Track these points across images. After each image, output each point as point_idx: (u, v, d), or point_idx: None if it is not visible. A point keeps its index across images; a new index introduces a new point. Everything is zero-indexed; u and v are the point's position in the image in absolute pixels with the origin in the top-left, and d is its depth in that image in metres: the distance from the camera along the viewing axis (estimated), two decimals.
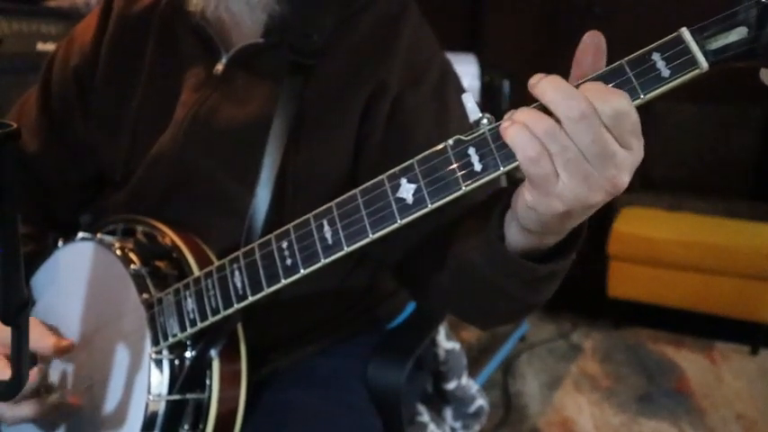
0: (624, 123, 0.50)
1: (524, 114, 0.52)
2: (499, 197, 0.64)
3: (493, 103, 2.69)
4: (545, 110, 0.52)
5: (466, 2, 3.88)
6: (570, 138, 0.50)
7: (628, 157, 0.51)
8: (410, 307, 1.11)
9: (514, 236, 0.61)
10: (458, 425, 1.18)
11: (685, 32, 0.51)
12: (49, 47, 1.62)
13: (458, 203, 0.62)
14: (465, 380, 1.19)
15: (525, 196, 0.55)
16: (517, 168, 0.55)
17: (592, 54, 0.53)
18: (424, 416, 1.11)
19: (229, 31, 0.86)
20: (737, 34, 0.50)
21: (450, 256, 0.73)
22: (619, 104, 0.50)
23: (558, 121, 0.50)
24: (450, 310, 0.82)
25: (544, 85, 0.51)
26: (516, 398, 2.33)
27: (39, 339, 0.74)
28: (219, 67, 0.86)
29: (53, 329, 0.78)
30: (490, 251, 0.63)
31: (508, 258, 0.61)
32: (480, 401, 1.20)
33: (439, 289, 0.78)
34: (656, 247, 2.70)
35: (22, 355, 0.58)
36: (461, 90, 0.87)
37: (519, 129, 0.52)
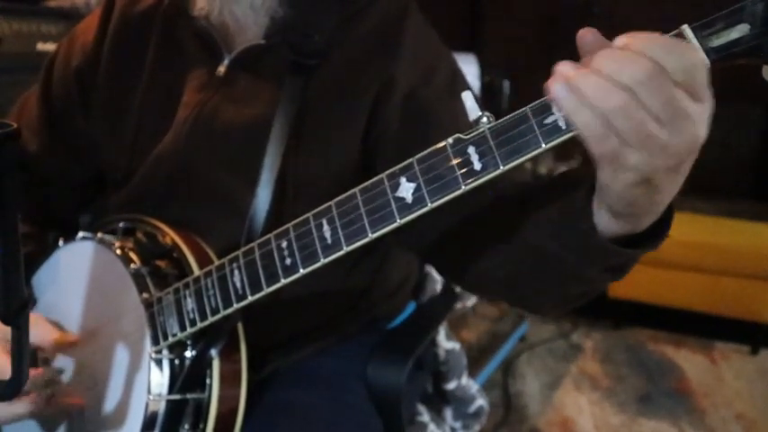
0: (696, 76, 0.47)
1: (587, 86, 0.47)
2: (567, 183, 0.62)
3: (493, 103, 2.69)
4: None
5: (466, 2, 3.88)
6: (641, 107, 0.46)
7: (703, 111, 0.48)
8: (410, 307, 1.11)
9: (606, 224, 0.57)
10: (458, 425, 1.18)
11: (687, 29, 0.50)
12: (49, 47, 1.62)
13: (499, 187, 0.59)
14: (465, 380, 1.19)
15: (599, 175, 0.51)
16: (533, 163, 0.55)
17: (597, 49, 0.50)
18: (424, 416, 1.11)
19: (232, 33, 0.86)
20: (739, 31, 0.49)
21: (514, 244, 0.68)
22: (692, 58, 0.47)
23: (621, 87, 0.46)
24: (502, 297, 0.77)
25: (599, 58, 0.47)
26: (516, 398, 2.33)
27: (42, 334, 0.75)
28: (222, 68, 0.86)
29: (56, 326, 0.78)
30: (578, 241, 0.59)
31: (600, 247, 0.58)
32: (480, 401, 1.20)
33: (489, 276, 0.73)
34: None
35: (21, 355, 0.58)
36: (468, 87, 0.87)
37: (578, 105, 0.47)
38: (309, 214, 0.64)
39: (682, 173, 0.52)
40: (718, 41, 0.50)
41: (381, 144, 0.82)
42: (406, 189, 0.59)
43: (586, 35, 0.51)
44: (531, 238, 0.66)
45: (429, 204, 0.58)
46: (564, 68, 0.49)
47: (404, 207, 0.59)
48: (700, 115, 0.48)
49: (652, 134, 0.47)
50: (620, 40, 0.48)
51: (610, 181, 0.51)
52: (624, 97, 0.46)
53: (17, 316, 0.56)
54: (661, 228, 0.59)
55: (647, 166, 0.49)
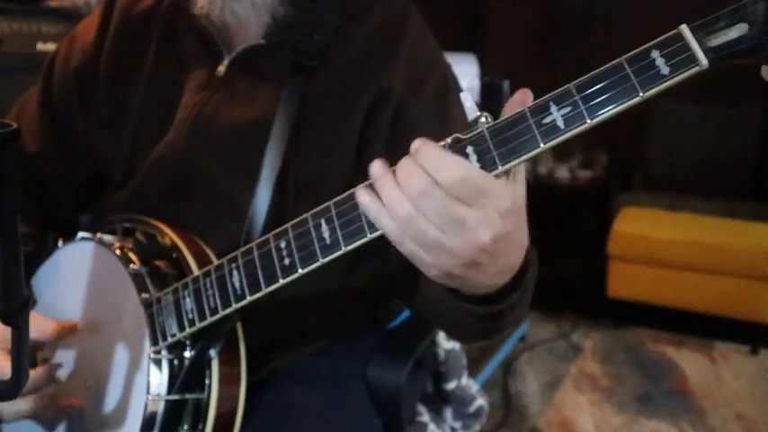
0: (466, 187, 0.52)
1: (383, 193, 0.54)
2: None
3: (493, 103, 2.69)
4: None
5: (466, 2, 3.88)
6: (423, 217, 0.53)
7: (481, 216, 0.53)
8: None
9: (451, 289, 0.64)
10: (458, 425, 1.18)
11: (685, 29, 0.50)
12: (49, 47, 1.62)
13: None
14: (465, 380, 1.19)
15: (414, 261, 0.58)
16: (532, 163, 0.56)
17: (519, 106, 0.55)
18: (424, 416, 1.11)
19: (232, 32, 0.86)
20: (738, 31, 0.49)
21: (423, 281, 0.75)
22: (455, 172, 0.52)
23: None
24: (436, 327, 0.87)
25: (383, 178, 0.55)
26: (516, 398, 2.33)
27: (41, 327, 0.75)
28: (221, 68, 0.86)
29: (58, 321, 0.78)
30: (438, 294, 0.67)
31: (454, 304, 0.65)
32: (480, 401, 1.20)
33: (422, 307, 0.82)
34: (656, 247, 2.70)
35: (21, 355, 0.58)
36: (460, 90, 0.87)
37: (378, 211, 0.55)
38: (308, 214, 0.64)
39: (484, 265, 0.57)
40: (716, 41, 0.50)
41: (368, 149, 0.82)
42: None
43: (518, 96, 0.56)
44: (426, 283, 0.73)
45: None
46: (374, 169, 0.56)
47: None
48: (476, 221, 0.53)
49: (434, 240, 0.53)
50: (414, 144, 0.55)
51: (421, 271, 0.58)
52: (408, 208, 0.53)
53: (17, 316, 0.56)
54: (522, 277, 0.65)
55: (441, 265, 0.55)
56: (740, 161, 3.23)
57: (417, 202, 0.52)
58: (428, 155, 0.53)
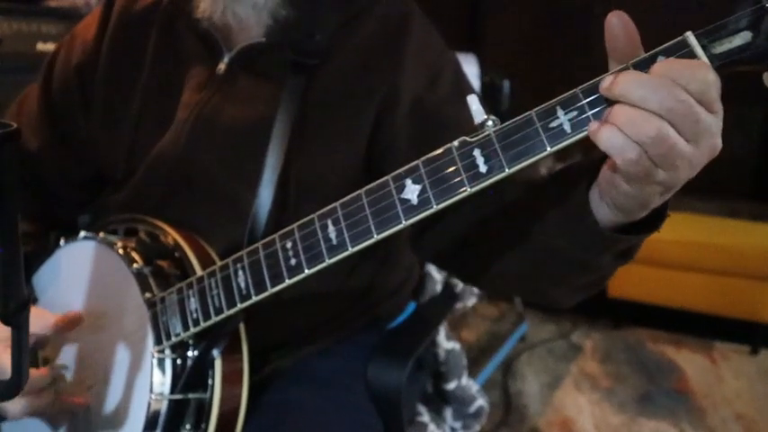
0: (711, 92, 0.49)
1: (620, 116, 0.50)
2: (568, 177, 0.64)
3: (493, 103, 2.69)
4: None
5: (466, 2, 3.88)
6: (674, 133, 0.49)
7: (718, 122, 0.51)
8: (410, 307, 1.11)
9: (607, 216, 0.60)
10: (458, 425, 1.18)
11: (690, 36, 0.51)
12: (49, 47, 1.62)
13: (506, 187, 0.62)
14: (465, 380, 1.19)
15: (623, 187, 0.54)
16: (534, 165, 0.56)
17: (622, 32, 0.53)
18: (424, 416, 1.11)
19: (233, 33, 0.86)
20: (742, 38, 0.50)
21: (522, 244, 0.71)
22: (706, 76, 0.49)
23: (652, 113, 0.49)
24: (518, 293, 0.83)
25: (626, 85, 0.50)
26: (516, 398, 2.33)
27: (41, 320, 0.75)
28: (222, 66, 0.86)
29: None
30: (584, 235, 0.62)
31: (606, 238, 0.60)
32: (480, 401, 1.20)
33: (503, 275, 0.77)
34: (656, 247, 2.70)
35: (21, 355, 0.58)
36: (472, 88, 0.88)
37: (611, 133, 0.50)
38: (314, 215, 0.65)
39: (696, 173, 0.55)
40: (720, 48, 0.51)
41: (391, 153, 0.82)
42: (412, 191, 0.59)
43: (612, 20, 0.53)
44: (539, 237, 0.68)
45: (434, 206, 0.58)
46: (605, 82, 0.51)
47: (409, 209, 0.59)
48: (716, 126, 0.51)
49: (682, 154, 0.50)
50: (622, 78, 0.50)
51: (634, 193, 0.54)
52: (657, 125, 0.49)
53: (17, 316, 0.56)
54: (656, 212, 0.61)
55: (673, 180, 0.53)
56: (740, 161, 3.23)
57: (668, 116, 0.49)
58: (672, 66, 0.49)
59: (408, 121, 0.81)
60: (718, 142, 0.52)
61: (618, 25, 0.53)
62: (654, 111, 0.49)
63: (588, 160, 0.61)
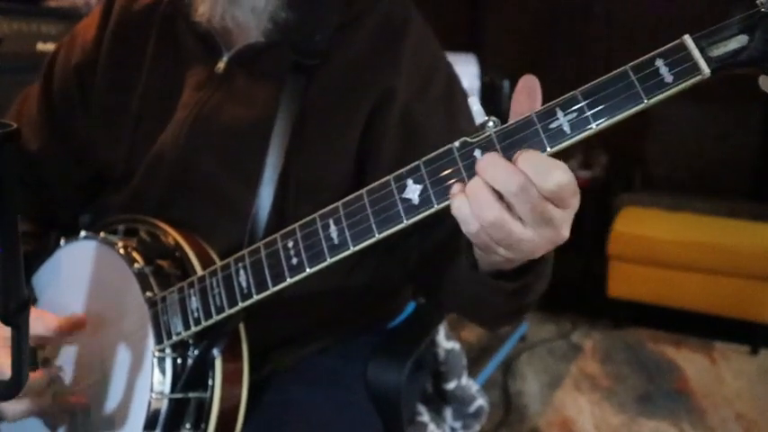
0: (564, 191, 0.53)
1: (473, 190, 0.54)
2: None
3: (493, 103, 2.69)
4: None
5: (466, 2, 3.88)
6: (511, 218, 0.54)
7: (567, 216, 0.55)
8: (410, 307, 1.11)
9: (483, 260, 0.65)
10: (458, 425, 1.18)
11: (688, 39, 0.52)
12: (49, 47, 1.62)
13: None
14: (465, 380, 1.19)
15: (474, 246, 0.61)
16: None
17: (526, 95, 0.56)
18: (424, 416, 1.11)
19: (233, 34, 0.86)
20: (738, 42, 0.51)
21: (452, 269, 0.76)
22: (559, 178, 0.52)
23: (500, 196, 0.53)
24: (460, 315, 0.86)
25: (483, 164, 0.54)
26: (516, 398, 2.33)
27: (43, 322, 0.74)
28: (221, 65, 0.86)
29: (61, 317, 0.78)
30: (468, 274, 0.67)
31: (484, 281, 0.66)
32: (480, 401, 1.20)
33: (447, 297, 0.82)
34: (656, 247, 2.70)
35: (21, 356, 0.58)
36: (465, 93, 0.88)
37: (460, 203, 0.55)
38: (316, 215, 0.65)
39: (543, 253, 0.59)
40: (717, 51, 0.52)
41: (372, 151, 0.83)
42: (413, 191, 0.59)
43: (525, 84, 0.56)
44: (453, 271, 0.75)
45: (435, 206, 0.59)
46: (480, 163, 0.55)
47: (410, 208, 0.60)
48: (562, 219, 0.55)
49: (519, 238, 0.55)
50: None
51: (481, 255, 0.63)
52: (496, 214, 0.54)
53: (17, 316, 0.56)
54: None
55: (516, 255, 0.57)
56: (740, 161, 3.23)
57: (513, 200, 0.53)
58: (531, 159, 0.53)
59: (395, 125, 0.82)
60: (562, 233, 0.55)
61: (525, 87, 0.56)
62: (500, 192, 0.53)
63: None
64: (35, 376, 0.73)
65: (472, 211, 0.54)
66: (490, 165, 0.54)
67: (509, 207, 0.54)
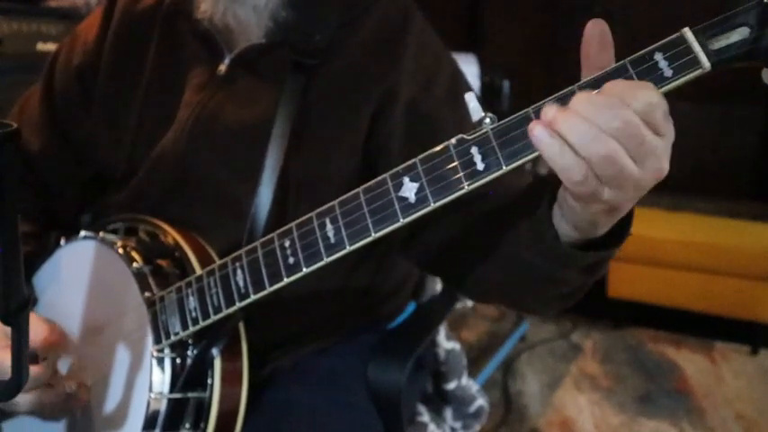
0: (657, 113, 0.49)
1: (570, 130, 0.49)
2: (539, 189, 0.64)
3: (493, 103, 2.69)
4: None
5: (466, 2, 3.88)
6: (625, 154, 0.49)
7: (666, 145, 0.51)
8: (410, 307, 1.11)
9: (567, 232, 0.60)
10: (458, 425, 1.18)
11: (687, 32, 0.51)
12: (49, 47, 1.62)
13: (488, 199, 0.63)
14: (465, 380, 1.19)
15: (570, 203, 0.55)
16: (534, 163, 0.56)
17: (596, 44, 0.53)
18: (424, 416, 1.11)
19: (234, 34, 0.86)
20: (739, 34, 0.50)
21: (497, 253, 0.72)
22: (649, 98, 0.49)
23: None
24: (500, 302, 0.82)
25: (577, 101, 0.50)
26: (516, 398, 2.33)
27: (33, 333, 0.74)
28: (222, 67, 0.86)
29: (52, 325, 0.78)
30: (546, 249, 0.62)
31: (566, 254, 0.61)
32: (480, 401, 1.20)
33: (484, 283, 0.78)
34: (656, 247, 2.70)
35: (21, 356, 0.58)
36: (470, 88, 0.88)
37: (560, 149, 0.50)
38: (312, 213, 0.65)
39: (642, 195, 0.55)
40: (718, 44, 0.51)
41: (385, 153, 0.82)
42: (409, 189, 0.59)
43: (594, 29, 0.53)
44: (510, 248, 0.70)
45: (432, 204, 0.58)
46: (549, 111, 0.50)
47: (407, 207, 0.59)
48: (663, 149, 0.51)
49: (629, 176, 0.50)
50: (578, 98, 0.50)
51: (580, 210, 0.55)
52: (611, 146, 0.49)
53: (17, 316, 0.56)
54: (623, 225, 0.62)
55: (617, 199, 0.52)
56: (740, 161, 3.23)
57: (618, 135, 0.48)
58: (618, 86, 0.50)
59: (402, 122, 0.82)
60: (664, 166, 0.52)
61: (595, 32, 0.53)
62: (603, 130, 0.49)
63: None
64: (35, 374, 0.73)
65: (578, 152, 0.49)
66: (585, 101, 0.49)
67: None
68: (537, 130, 0.50)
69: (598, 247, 0.61)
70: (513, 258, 0.69)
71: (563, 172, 0.50)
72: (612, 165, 0.49)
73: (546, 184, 0.62)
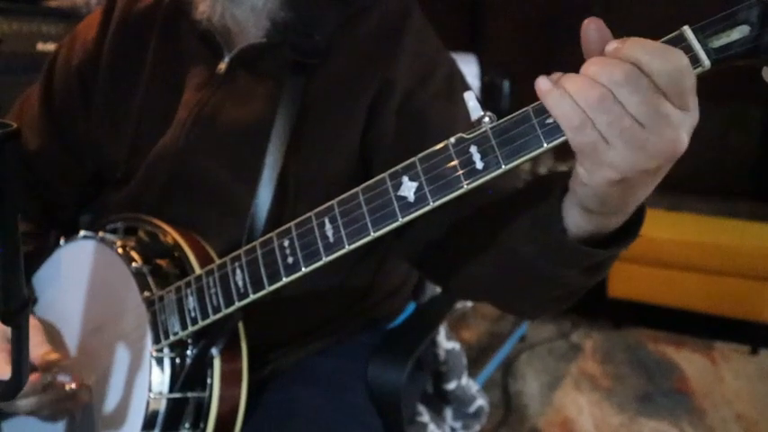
0: (682, 82, 0.48)
1: (569, 82, 0.50)
2: (541, 186, 0.63)
3: (493, 103, 2.69)
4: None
5: (466, 2, 3.88)
6: (618, 103, 0.48)
7: (685, 118, 0.50)
8: (410, 307, 1.11)
9: (577, 222, 0.59)
10: (458, 425, 1.18)
11: (687, 30, 0.51)
12: (49, 47, 1.62)
13: (481, 194, 0.61)
14: (465, 380, 1.19)
15: (578, 170, 0.53)
16: (534, 162, 0.55)
17: (597, 43, 0.52)
18: (424, 416, 1.11)
19: (233, 34, 0.86)
20: (739, 32, 0.50)
21: (493, 249, 0.71)
22: (677, 63, 0.48)
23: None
24: (487, 300, 0.80)
25: (586, 63, 0.50)
26: (516, 398, 2.33)
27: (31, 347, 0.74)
28: (222, 66, 0.86)
29: (53, 330, 0.78)
30: (550, 244, 0.61)
31: (572, 250, 0.59)
32: (480, 401, 1.20)
33: (475, 281, 0.76)
34: (656, 247, 2.70)
35: (21, 356, 0.58)
36: (468, 87, 0.87)
37: (559, 96, 0.50)
38: (311, 213, 0.65)
39: (658, 176, 0.53)
40: (718, 43, 0.50)
41: (378, 146, 0.82)
42: (408, 188, 0.59)
43: (590, 25, 0.52)
44: (507, 244, 0.68)
45: (431, 203, 0.58)
46: (554, 74, 0.52)
47: (406, 206, 0.59)
48: (681, 121, 0.49)
49: (629, 130, 0.49)
50: (611, 45, 0.50)
51: (587, 177, 0.53)
52: (602, 91, 0.49)
53: (17, 316, 0.56)
54: (631, 226, 0.60)
55: (624, 164, 0.50)
56: (740, 161, 3.23)
57: (614, 89, 0.48)
58: (636, 45, 0.48)
59: (396, 118, 0.81)
60: (681, 139, 0.50)
61: (593, 31, 0.52)
62: (603, 84, 0.49)
63: (566, 171, 0.60)
64: (34, 376, 0.73)
65: (574, 100, 0.49)
66: (593, 60, 0.50)
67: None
68: (541, 80, 0.52)
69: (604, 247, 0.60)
70: (510, 254, 0.68)
71: (561, 119, 0.51)
72: (605, 112, 0.49)
73: (553, 178, 0.62)
